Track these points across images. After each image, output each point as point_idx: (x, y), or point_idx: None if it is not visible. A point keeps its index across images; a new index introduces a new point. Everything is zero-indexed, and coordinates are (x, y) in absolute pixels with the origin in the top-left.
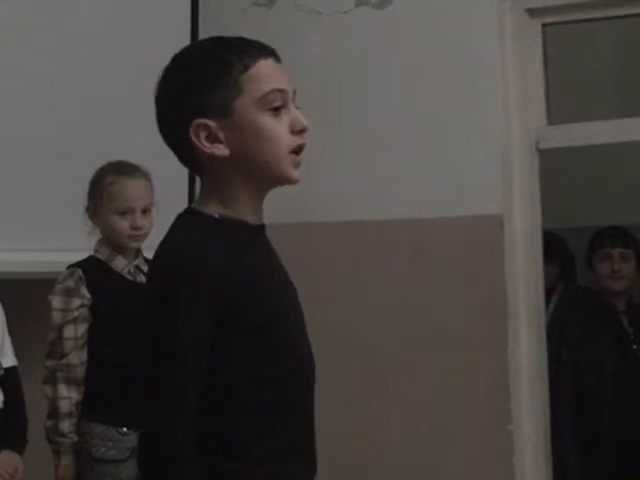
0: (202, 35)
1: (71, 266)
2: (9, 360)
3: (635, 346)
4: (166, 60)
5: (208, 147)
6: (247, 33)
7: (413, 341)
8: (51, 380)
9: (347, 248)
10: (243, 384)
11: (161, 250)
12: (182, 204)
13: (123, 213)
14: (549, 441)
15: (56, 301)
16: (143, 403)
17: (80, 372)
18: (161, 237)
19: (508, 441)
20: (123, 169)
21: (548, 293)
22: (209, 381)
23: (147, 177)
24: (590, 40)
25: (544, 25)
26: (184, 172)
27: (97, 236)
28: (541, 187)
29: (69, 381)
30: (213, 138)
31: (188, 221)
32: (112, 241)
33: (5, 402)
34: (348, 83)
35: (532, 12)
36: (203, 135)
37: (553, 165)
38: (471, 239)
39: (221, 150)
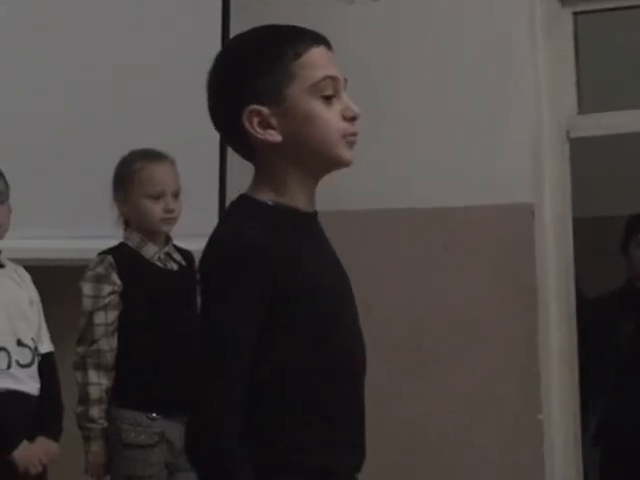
0: (234, 25)
1: (102, 253)
2: (46, 346)
3: None
4: (197, 51)
5: (261, 133)
6: (279, 22)
7: (443, 329)
8: (81, 366)
9: (379, 236)
10: (290, 374)
11: (214, 237)
12: (213, 193)
13: (156, 197)
14: (579, 430)
15: (87, 288)
16: (191, 390)
17: (110, 358)
18: (190, 225)
19: (538, 430)
20: (150, 155)
21: None
22: (255, 370)
23: (172, 163)
24: (621, 28)
25: (575, 13)
26: (215, 163)
27: (122, 225)
28: (572, 176)
29: (99, 367)
30: (266, 124)
31: (241, 208)
32: (143, 227)
33: (41, 389)
34: (378, 72)
35: (563, 0)
36: (256, 121)
37: (584, 154)
38: (502, 228)
39: (274, 136)
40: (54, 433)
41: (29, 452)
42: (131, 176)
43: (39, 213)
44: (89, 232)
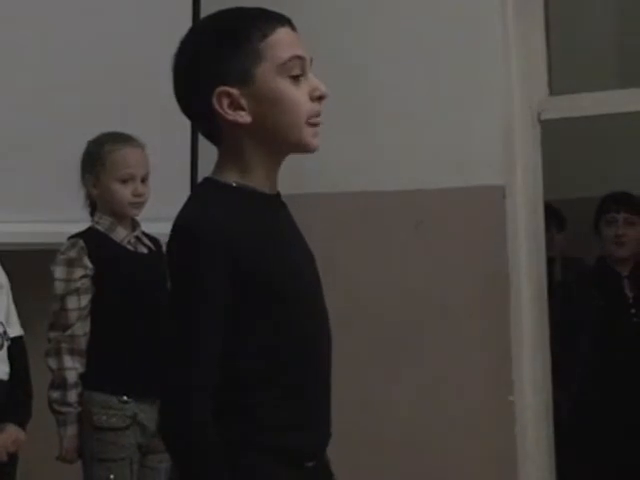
0: (204, 8)
1: (72, 237)
2: (15, 330)
3: (634, 310)
4: (167, 35)
5: (231, 114)
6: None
7: (413, 312)
8: (55, 352)
9: (349, 219)
10: (257, 353)
11: (179, 219)
12: (185, 178)
13: (125, 180)
14: (551, 412)
15: (58, 271)
16: (161, 374)
17: (84, 343)
18: (161, 209)
19: (510, 412)
20: (120, 138)
21: None
22: (223, 350)
23: (143, 147)
24: (592, 9)
25: None
26: (186, 147)
27: (88, 208)
28: (543, 158)
29: (73, 352)
30: (236, 105)
31: (206, 190)
32: (113, 210)
33: (11, 373)
34: (350, 55)
35: None
36: (226, 103)
37: (555, 136)
38: (473, 210)
39: (243, 117)
40: (22, 419)
41: None
42: (102, 159)
43: (6, 196)
44: (58, 216)
